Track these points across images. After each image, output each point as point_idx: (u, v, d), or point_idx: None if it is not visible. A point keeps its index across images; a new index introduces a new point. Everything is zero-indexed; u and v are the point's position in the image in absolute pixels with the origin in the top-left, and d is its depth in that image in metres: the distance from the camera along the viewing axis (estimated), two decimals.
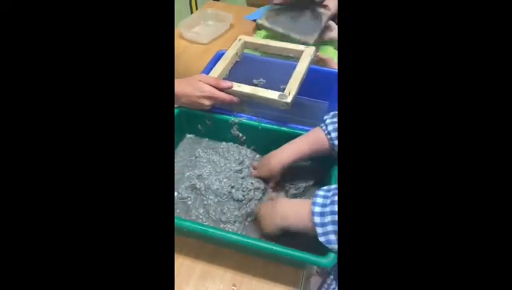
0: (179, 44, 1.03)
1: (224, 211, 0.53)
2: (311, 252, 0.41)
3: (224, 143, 0.65)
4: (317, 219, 0.39)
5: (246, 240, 0.43)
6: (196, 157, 0.62)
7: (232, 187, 0.55)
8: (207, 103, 0.58)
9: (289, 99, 0.55)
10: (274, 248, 0.42)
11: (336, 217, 0.38)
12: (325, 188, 0.42)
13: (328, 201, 0.39)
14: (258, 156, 0.63)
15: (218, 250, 0.52)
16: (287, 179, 0.58)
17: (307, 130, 0.56)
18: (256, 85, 0.61)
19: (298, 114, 0.65)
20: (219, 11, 1.19)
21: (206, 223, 0.53)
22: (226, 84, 0.58)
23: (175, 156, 0.63)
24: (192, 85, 0.58)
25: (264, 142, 0.60)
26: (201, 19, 1.15)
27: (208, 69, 0.67)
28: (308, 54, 0.64)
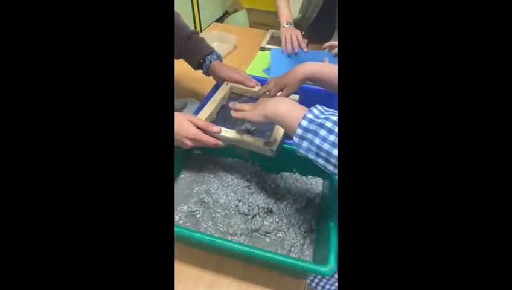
0: (183, 65, 1.08)
1: (231, 223, 0.57)
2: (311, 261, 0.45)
3: (230, 159, 0.69)
4: (304, 123, 0.42)
5: (250, 249, 0.46)
6: (204, 173, 0.66)
7: (239, 201, 0.59)
8: (189, 143, 0.56)
9: (274, 147, 0.57)
10: (276, 257, 0.45)
11: (319, 130, 0.41)
12: (325, 107, 0.44)
13: (322, 116, 0.42)
14: (263, 173, 0.67)
15: (224, 260, 0.56)
16: (291, 193, 0.62)
17: None
18: (243, 130, 0.62)
19: None
20: (223, 32, 1.25)
21: (215, 235, 0.56)
22: (215, 129, 0.58)
23: (184, 172, 0.67)
24: (177, 122, 0.56)
25: (267, 159, 0.64)
26: (207, 40, 1.20)
27: (210, 96, 0.72)
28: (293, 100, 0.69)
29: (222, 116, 0.69)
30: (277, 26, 1.17)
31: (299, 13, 1.30)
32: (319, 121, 0.41)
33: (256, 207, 0.59)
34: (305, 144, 0.42)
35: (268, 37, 1.25)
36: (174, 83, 1.01)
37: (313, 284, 0.86)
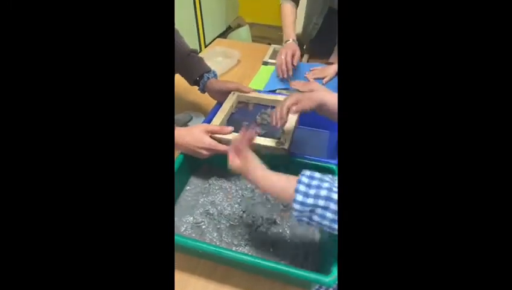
0: None
1: (236, 234, 0.58)
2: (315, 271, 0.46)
3: None
4: (296, 206, 0.43)
5: (255, 260, 0.47)
6: (209, 184, 0.67)
7: (244, 212, 0.60)
8: (206, 153, 0.61)
9: (286, 146, 0.61)
10: (281, 267, 0.46)
11: (315, 209, 0.42)
12: (307, 174, 0.44)
13: (312, 191, 0.42)
14: None
15: (229, 271, 0.57)
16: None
17: (310, 159, 0.62)
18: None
19: (301, 143, 0.71)
20: (227, 48, 1.28)
21: (220, 245, 0.57)
22: (228, 129, 0.63)
23: (189, 184, 0.69)
24: (192, 135, 0.60)
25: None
26: (211, 56, 1.23)
27: (216, 110, 0.75)
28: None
29: (232, 124, 0.72)
30: (279, 40, 1.20)
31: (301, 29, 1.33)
32: (311, 202, 0.42)
33: (261, 218, 0.60)
34: (305, 219, 0.44)
35: (270, 51, 1.27)
36: (176, 97, 1.03)
37: None
